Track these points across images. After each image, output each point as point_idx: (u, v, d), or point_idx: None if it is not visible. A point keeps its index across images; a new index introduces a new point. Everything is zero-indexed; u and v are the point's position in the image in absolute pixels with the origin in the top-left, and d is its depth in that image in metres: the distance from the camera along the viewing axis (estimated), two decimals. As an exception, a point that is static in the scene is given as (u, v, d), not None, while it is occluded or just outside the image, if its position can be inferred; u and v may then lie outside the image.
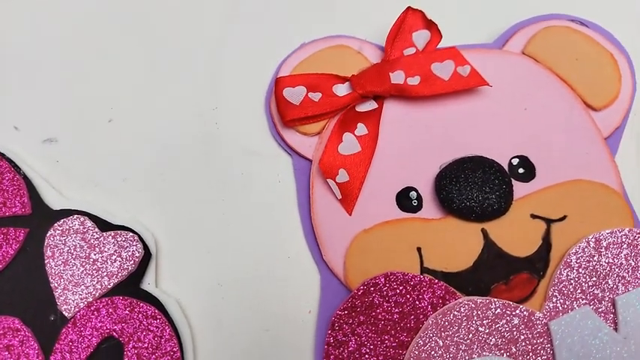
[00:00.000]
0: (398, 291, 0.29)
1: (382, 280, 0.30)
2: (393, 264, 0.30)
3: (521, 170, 0.32)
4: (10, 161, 0.32)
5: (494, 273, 0.30)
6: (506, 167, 0.32)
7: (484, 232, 0.31)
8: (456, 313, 0.29)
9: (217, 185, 0.33)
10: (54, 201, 0.31)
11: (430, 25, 0.33)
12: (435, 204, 0.31)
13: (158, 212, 0.32)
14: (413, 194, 0.32)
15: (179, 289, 0.31)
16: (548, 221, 0.31)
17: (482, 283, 0.30)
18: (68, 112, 0.34)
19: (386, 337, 0.29)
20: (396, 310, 0.29)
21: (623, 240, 0.30)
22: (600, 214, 0.31)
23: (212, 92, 0.35)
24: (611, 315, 0.29)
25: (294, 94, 0.32)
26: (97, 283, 0.29)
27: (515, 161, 0.32)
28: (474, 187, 0.30)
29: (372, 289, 0.29)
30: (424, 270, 0.30)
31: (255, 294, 0.31)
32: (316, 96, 0.32)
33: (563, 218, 0.31)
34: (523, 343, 0.29)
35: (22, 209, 0.31)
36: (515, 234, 0.30)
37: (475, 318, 0.29)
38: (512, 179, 0.31)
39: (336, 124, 0.32)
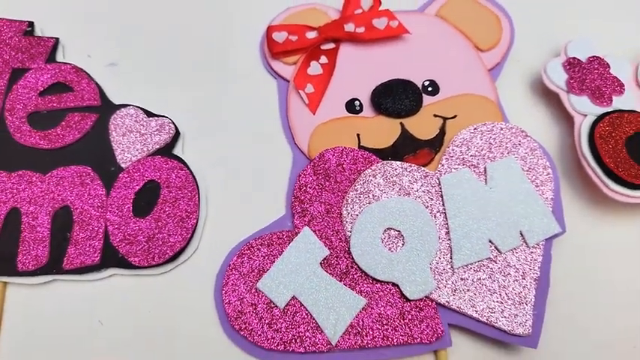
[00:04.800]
0: (342, 158, 0.44)
1: (331, 151, 0.44)
2: (340, 143, 0.45)
3: (430, 88, 0.47)
4: (87, 73, 0.48)
5: (406, 149, 0.45)
6: (420, 86, 0.47)
7: (401, 124, 0.46)
8: (377, 170, 0.43)
9: (224, 98, 0.49)
10: (116, 100, 0.47)
11: (373, -5, 0.49)
12: (371, 109, 0.47)
13: (186, 111, 0.48)
14: (357, 103, 0.47)
15: (199, 157, 0.46)
16: (445, 118, 0.46)
17: (398, 155, 0.45)
18: (126, 44, 0.50)
19: (334, 188, 0.44)
20: (340, 169, 0.44)
21: (493, 129, 0.45)
22: (480, 115, 0.46)
23: (223, 35, 0.51)
24: (483, 175, 0.44)
25: (279, 37, 0.48)
26: (144, 147, 0.45)
27: (426, 83, 0.47)
28: (396, 96, 0.46)
29: (325, 156, 0.44)
30: (360, 147, 0.45)
31: (250, 166, 0.46)
32: (294, 38, 0.48)
33: (455, 117, 0.46)
34: (422, 189, 0.43)
35: (94, 102, 0.46)
36: (422, 126, 0.46)
37: (390, 172, 0.43)
38: (423, 94, 0.47)
39: (306, 55, 0.48)
